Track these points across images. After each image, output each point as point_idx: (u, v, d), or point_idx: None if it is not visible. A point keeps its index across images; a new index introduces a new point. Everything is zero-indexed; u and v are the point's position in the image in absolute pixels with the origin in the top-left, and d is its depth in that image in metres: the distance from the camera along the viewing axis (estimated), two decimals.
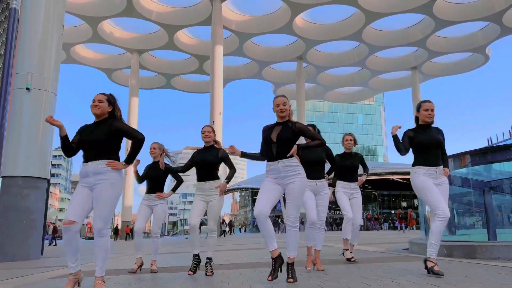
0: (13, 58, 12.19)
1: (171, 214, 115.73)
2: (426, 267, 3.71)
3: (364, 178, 5.45)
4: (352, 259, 5.22)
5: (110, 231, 3.36)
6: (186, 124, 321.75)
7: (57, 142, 30.79)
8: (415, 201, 57.68)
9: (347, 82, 51.74)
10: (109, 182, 3.34)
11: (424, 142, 3.99)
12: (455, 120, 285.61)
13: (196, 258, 4.51)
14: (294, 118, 3.90)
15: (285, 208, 3.66)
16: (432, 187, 3.87)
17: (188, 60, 44.84)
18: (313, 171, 4.64)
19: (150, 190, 5.26)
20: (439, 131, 4.10)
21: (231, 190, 76.85)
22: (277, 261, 3.56)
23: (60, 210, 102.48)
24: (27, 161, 10.29)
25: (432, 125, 4.10)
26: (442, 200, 3.81)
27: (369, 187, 54.08)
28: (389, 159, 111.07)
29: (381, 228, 35.13)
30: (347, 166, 5.49)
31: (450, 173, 4.26)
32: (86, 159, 3.42)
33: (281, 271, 3.60)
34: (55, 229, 26.47)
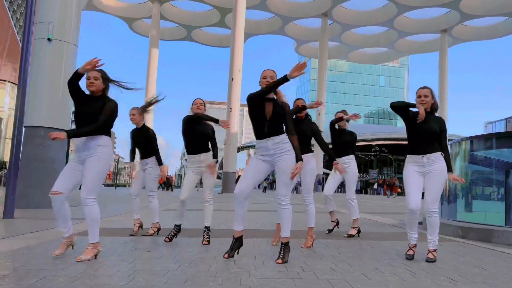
0: (35, 6, 12.06)
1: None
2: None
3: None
4: (352, 234, 5.50)
5: (95, 201, 3.45)
6: (205, 78, 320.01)
7: None
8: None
9: (373, 43, 50.05)
10: (97, 157, 3.46)
11: (414, 130, 3.88)
12: (484, 87, 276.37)
13: (177, 227, 4.62)
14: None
15: (276, 187, 3.62)
16: (412, 178, 3.81)
17: (210, 12, 43.81)
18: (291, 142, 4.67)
19: (142, 156, 5.31)
20: (437, 121, 3.90)
21: (247, 147, 77.36)
22: (237, 242, 3.60)
23: None
24: (49, 112, 10.44)
25: (436, 114, 3.96)
26: (415, 193, 3.77)
27: (386, 151, 53.71)
28: None
29: (390, 195, 35.55)
30: (338, 141, 5.67)
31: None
32: None
33: (237, 253, 3.64)
34: None
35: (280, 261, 3.46)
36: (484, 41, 46.39)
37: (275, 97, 3.65)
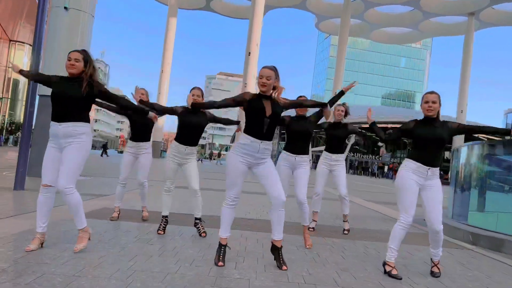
0: None
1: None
2: (385, 271, 3.56)
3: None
4: (345, 232, 5.53)
5: (74, 189, 3.38)
6: (222, 50, 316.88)
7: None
8: (446, 153, 56.55)
9: (396, 22, 48.61)
10: (77, 145, 3.39)
11: (422, 137, 3.59)
12: (508, 75, 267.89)
13: (166, 219, 4.55)
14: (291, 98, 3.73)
15: (266, 188, 3.49)
16: (411, 190, 3.54)
17: None
18: (296, 146, 4.51)
19: (135, 137, 5.13)
20: (444, 126, 3.62)
21: None
22: (225, 249, 3.47)
23: (96, 121, 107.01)
24: None
25: (441, 119, 3.69)
26: (413, 205, 3.54)
27: None
28: None
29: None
30: (333, 135, 5.47)
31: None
32: (57, 118, 3.38)
33: (229, 248, 3.61)
34: None
35: (285, 267, 3.40)
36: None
37: (273, 95, 3.49)
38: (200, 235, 4.46)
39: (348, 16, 42.57)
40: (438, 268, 3.67)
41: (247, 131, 3.44)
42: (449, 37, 51.38)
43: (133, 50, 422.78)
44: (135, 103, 4.83)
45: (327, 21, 51.09)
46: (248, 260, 3.63)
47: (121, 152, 49.53)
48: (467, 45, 43.16)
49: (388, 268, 3.53)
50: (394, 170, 39.55)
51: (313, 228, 5.50)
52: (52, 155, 3.45)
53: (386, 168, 46.40)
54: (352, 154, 51.97)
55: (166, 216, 4.58)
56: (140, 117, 5.03)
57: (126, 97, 4.12)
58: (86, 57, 3.49)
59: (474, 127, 3.72)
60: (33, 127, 8.61)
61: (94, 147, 75.39)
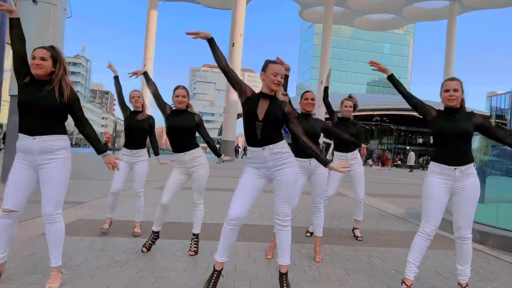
0: None
1: None
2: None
3: (364, 149, 5.15)
4: (358, 238, 5.07)
5: (61, 216, 2.88)
6: (206, 42, 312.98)
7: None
8: (432, 138, 56.69)
9: (379, 8, 48.29)
10: (60, 162, 2.85)
11: (441, 132, 3.05)
12: (490, 58, 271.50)
13: (156, 235, 4.02)
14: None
15: (274, 203, 2.97)
16: (434, 198, 3.03)
17: None
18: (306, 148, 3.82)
19: (131, 144, 4.66)
20: (471, 118, 3.07)
21: None
22: (219, 276, 2.93)
23: None
24: None
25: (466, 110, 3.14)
26: (437, 214, 3.02)
27: (387, 120, 52.96)
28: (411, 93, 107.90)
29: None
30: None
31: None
32: (29, 130, 2.81)
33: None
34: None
35: None
36: (496, 10, 44.67)
37: (277, 95, 2.95)
38: (188, 252, 3.94)
39: (331, 3, 42.07)
40: None
41: (246, 140, 2.97)
42: (432, 23, 51.27)
43: (115, 45, 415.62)
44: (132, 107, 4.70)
45: (310, 9, 50.50)
46: (240, 284, 3.16)
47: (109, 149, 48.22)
48: (450, 30, 43.15)
49: (407, 283, 3.07)
50: (377, 158, 39.54)
51: (311, 233, 5.04)
52: (21, 174, 2.85)
53: (374, 155, 46.40)
54: None
55: (157, 232, 4.04)
56: (135, 121, 4.61)
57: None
58: (54, 54, 2.90)
59: (495, 134, 3.09)
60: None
61: (78, 145, 73.81)
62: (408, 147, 54.30)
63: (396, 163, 43.81)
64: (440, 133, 3.08)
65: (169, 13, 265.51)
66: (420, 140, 59.89)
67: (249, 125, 2.90)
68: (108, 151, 3.02)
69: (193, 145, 4.00)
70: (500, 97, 49.17)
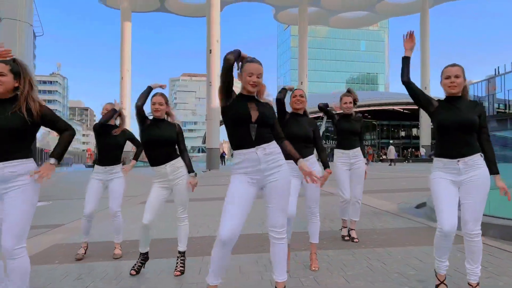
0: None
1: None
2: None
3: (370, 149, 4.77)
4: (354, 240, 4.78)
5: (25, 250, 2.51)
6: (183, 51, 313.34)
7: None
8: (414, 130, 57.50)
9: (353, 6, 48.65)
10: (19, 190, 2.49)
11: (443, 122, 2.84)
12: (465, 50, 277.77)
13: (144, 256, 3.73)
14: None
15: (267, 213, 2.66)
16: (444, 191, 2.82)
17: None
18: (298, 149, 3.14)
19: (104, 161, 4.34)
20: (475, 107, 2.87)
21: None
22: None
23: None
24: None
25: (470, 99, 2.94)
26: (450, 211, 2.77)
27: (369, 116, 53.35)
28: (390, 88, 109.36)
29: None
30: (346, 129, 4.76)
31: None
32: None
33: None
34: None
35: None
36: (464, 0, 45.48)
37: (255, 95, 2.72)
38: (174, 273, 3.61)
39: (305, 4, 42.25)
40: None
41: (234, 144, 2.67)
42: (405, 17, 51.97)
43: (90, 61, 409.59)
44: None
45: (285, 11, 50.57)
46: None
47: (90, 166, 46.89)
48: (424, 23, 43.72)
49: (436, 282, 3.01)
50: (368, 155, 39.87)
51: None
52: None
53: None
54: (325, 142, 51.99)
55: (145, 253, 3.73)
56: (107, 135, 4.28)
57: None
58: (14, 67, 2.53)
59: (483, 137, 2.88)
60: None
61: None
62: (391, 141, 54.83)
63: (380, 158, 44.16)
64: (443, 126, 2.86)
65: (143, 26, 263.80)
66: (403, 133, 60.59)
67: (240, 128, 2.63)
68: (52, 159, 2.56)
69: (174, 155, 3.71)
70: (477, 85, 50.01)
